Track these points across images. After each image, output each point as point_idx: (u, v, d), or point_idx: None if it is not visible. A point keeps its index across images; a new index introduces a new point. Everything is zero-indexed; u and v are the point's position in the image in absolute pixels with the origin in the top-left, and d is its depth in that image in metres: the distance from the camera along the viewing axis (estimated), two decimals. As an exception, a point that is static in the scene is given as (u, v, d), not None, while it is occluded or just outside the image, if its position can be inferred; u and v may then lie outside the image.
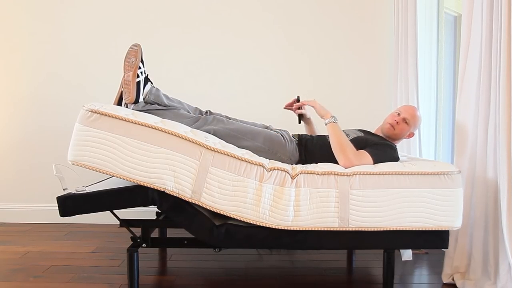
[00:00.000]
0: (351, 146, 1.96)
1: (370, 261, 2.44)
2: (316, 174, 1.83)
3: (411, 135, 2.24)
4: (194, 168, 1.77)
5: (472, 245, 2.02)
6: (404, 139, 2.29)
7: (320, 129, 2.38)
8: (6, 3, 3.17)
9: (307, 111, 2.38)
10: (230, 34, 3.20)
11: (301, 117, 2.38)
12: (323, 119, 2.07)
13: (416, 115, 2.20)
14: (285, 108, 2.35)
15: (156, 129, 1.79)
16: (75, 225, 3.14)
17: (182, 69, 3.20)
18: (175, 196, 1.78)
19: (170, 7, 3.19)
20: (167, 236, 2.54)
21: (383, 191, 1.81)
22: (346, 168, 1.89)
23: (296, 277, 2.19)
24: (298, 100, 2.31)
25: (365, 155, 1.95)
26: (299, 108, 2.33)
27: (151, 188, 1.78)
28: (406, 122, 2.17)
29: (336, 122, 2.04)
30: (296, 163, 2.08)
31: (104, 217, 3.02)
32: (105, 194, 1.82)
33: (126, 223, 1.95)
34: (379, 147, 2.05)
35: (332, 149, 1.98)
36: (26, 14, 3.18)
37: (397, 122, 2.17)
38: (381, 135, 2.23)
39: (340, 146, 1.96)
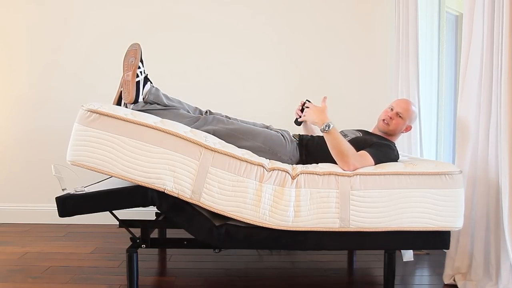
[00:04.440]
0: (352, 151, 1.89)
1: (371, 261, 2.43)
2: (316, 174, 1.82)
3: (408, 128, 2.21)
4: (194, 168, 1.76)
5: (474, 246, 2.01)
6: (403, 134, 2.27)
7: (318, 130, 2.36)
8: (5, 2, 3.16)
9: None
10: (230, 33, 3.19)
11: (300, 122, 2.23)
12: (316, 125, 1.97)
13: (409, 108, 2.18)
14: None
15: (156, 129, 1.77)
16: (74, 225, 3.13)
17: (181, 69, 3.19)
18: (175, 197, 1.77)
19: (170, 7, 3.18)
20: (167, 236, 2.53)
21: (384, 192, 1.80)
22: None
23: (296, 277, 2.18)
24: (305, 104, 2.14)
25: (366, 156, 1.93)
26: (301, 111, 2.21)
27: (151, 189, 1.77)
28: (400, 117, 2.16)
29: (330, 130, 1.89)
30: (297, 163, 2.07)
31: (103, 218, 3.00)
32: (104, 195, 1.81)
33: (125, 224, 1.94)
34: (379, 147, 2.04)
35: (333, 155, 1.92)
36: (25, 13, 3.17)
37: (391, 117, 2.16)
38: (379, 133, 2.22)
39: (340, 153, 1.88)
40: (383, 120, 2.18)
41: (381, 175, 1.82)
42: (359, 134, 2.19)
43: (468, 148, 2.04)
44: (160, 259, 2.43)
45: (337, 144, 1.90)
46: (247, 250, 2.53)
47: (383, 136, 2.19)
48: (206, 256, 2.45)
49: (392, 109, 2.18)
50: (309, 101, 2.12)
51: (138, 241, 1.92)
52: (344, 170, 1.86)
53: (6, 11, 3.17)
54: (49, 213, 3.15)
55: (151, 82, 2.10)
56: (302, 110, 2.14)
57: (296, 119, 2.23)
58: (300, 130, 2.40)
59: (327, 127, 1.90)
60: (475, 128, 2.01)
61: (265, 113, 3.12)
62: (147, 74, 2.08)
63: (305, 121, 2.28)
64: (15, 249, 2.57)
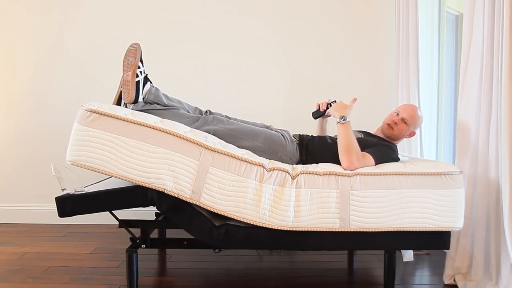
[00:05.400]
0: (357, 150, 1.91)
1: (371, 262, 2.42)
2: (316, 174, 1.82)
3: (412, 134, 2.22)
4: (194, 168, 1.76)
5: (474, 246, 2.01)
6: (405, 139, 2.27)
7: (329, 131, 2.38)
8: (5, 0, 3.16)
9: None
10: (230, 33, 3.19)
11: (319, 115, 2.28)
12: (335, 117, 2.00)
13: (415, 115, 2.18)
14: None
15: (156, 129, 1.77)
16: (74, 225, 3.13)
17: (181, 69, 3.19)
18: (175, 197, 1.77)
19: (170, 6, 3.17)
20: (167, 236, 2.53)
21: (384, 192, 1.80)
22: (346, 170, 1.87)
23: (296, 277, 2.17)
24: (330, 105, 2.22)
25: (367, 157, 1.93)
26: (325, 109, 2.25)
27: (150, 189, 1.77)
28: (405, 122, 2.16)
29: (346, 123, 1.94)
30: (297, 163, 2.07)
31: (103, 218, 3.01)
32: (104, 195, 1.81)
33: (125, 224, 1.93)
34: (380, 148, 2.04)
35: (338, 149, 1.94)
36: (25, 11, 3.16)
37: (396, 123, 2.16)
38: (381, 135, 2.22)
39: (346, 148, 1.90)
40: (388, 124, 2.18)
41: (381, 175, 1.82)
42: (361, 135, 2.19)
43: (468, 148, 2.03)
44: (160, 259, 2.43)
45: (347, 138, 1.92)
46: (247, 250, 2.53)
47: (385, 138, 2.19)
48: (206, 256, 2.45)
49: (397, 114, 2.18)
50: (335, 102, 2.19)
51: (138, 241, 1.92)
52: (343, 168, 1.87)
53: (6, 9, 3.16)
54: (49, 213, 3.15)
55: (151, 82, 2.10)
56: (326, 108, 2.22)
57: (316, 111, 2.26)
58: (300, 130, 2.39)
59: (343, 119, 1.95)
60: (475, 128, 2.00)
61: (264, 113, 3.12)
62: (147, 74, 2.08)
63: (321, 119, 2.35)
64: (15, 249, 2.57)
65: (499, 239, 1.91)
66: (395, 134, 2.17)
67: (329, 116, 2.26)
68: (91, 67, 3.18)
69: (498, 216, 1.91)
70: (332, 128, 2.35)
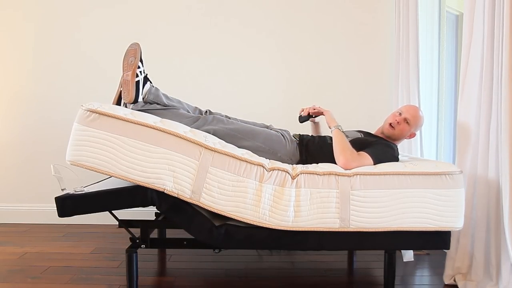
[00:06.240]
0: (351, 149, 1.95)
1: (371, 262, 2.42)
2: (316, 174, 1.82)
3: (412, 135, 2.22)
4: (194, 168, 1.76)
5: (474, 246, 2.01)
6: (405, 139, 2.27)
7: (324, 131, 2.39)
8: (4, 1, 3.16)
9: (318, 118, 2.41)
10: (229, 34, 3.19)
11: (306, 118, 2.31)
12: (329, 126, 2.09)
13: (417, 116, 2.18)
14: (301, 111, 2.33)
15: (155, 129, 1.77)
16: (74, 225, 3.13)
17: (181, 69, 3.19)
18: (175, 197, 1.76)
19: (170, 7, 3.17)
20: (166, 236, 2.52)
21: (384, 192, 1.80)
22: (345, 169, 1.87)
23: (296, 278, 2.17)
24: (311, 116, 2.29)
25: (365, 156, 1.93)
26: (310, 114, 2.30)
27: (150, 189, 1.77)
28: (407, 122, 2.15)
29: (341, 130, 2.04)
30: (297, 163, 2.07)
31: (103, 218, 3.01)
32: (103, 195, 1.81)
33: (125, 224, 1.93)
34: (379, 147, 2.04)
35: (333, 151, 1.98)
36: (25, 10, 3.16)
37: (398, 122, 2.16)
38: (381, 135, 2.22)
39: (340, 147, 1.94)
40: (390, 123, 2.18)
41: (381, 175, 1.81)
42: (361, 135, 2.19)
43: (468, 148, 2.03)
44: (160, 259, 2.43)
45: (342, 141, 1.98)
46: (247, 250, 2.52)
47: (385, 138, 2.19)
48: (206, 256, 2.44)
49: (400, 114, 2.18)
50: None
51: (137, 241, 1.92)
52: (341, 167, 1.87)
53: (5, 8, 3.16)
54: (48, 213, 3.15)
55: (150, 82, 2.10)
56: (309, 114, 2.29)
57: (300, 116, 2.29)
58: (300, 130, 2.39)
59: (340, 127, 2.06)
60: (475, 128, 2.00)
61: (264, 113, 3.12)
62: (146, 74, 2.08)
63: (316, 124, 2.45)
64: (14, 249, 2.56)
65: (499, 239, 1.91)
66: (396, 134, 2.17)
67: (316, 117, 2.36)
68: (91, 67, 3.18)
69: (498, 216, 1.91)
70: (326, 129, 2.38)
